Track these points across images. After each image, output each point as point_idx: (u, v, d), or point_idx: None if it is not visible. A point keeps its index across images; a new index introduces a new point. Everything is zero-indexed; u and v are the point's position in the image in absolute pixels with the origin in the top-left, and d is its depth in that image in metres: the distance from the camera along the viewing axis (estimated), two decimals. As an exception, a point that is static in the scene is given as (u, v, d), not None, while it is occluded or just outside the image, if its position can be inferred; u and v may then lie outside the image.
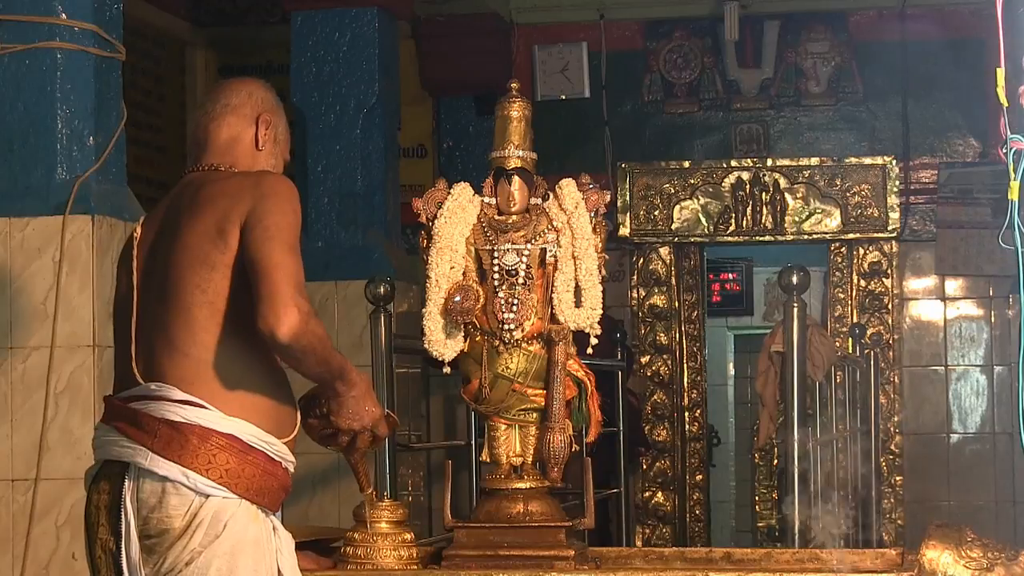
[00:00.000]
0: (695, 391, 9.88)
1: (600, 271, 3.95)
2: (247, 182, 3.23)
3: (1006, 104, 3.11)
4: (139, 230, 3.37)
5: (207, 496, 3.09)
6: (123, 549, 3.14)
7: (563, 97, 9.72)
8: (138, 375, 3.18)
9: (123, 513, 3.14)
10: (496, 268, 3.97)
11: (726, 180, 9.61)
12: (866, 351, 8.51)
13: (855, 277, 9.61)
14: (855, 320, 9.36)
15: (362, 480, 3.47)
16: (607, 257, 4.01)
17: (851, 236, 9.52)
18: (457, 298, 3.91)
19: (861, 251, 9.59)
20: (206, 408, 3.11)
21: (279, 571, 3.21)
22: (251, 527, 3.14)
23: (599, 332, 3.94)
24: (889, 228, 9.47)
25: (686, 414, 9.84)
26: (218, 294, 3.14)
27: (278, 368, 3.24)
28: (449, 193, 4.02)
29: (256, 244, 3.10)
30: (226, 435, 3.11)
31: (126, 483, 3.13)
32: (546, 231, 3.97)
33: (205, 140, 3.46)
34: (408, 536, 3.94)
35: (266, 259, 3.08)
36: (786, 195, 9.56)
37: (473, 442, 5.70)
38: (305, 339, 3.05)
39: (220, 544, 3.09)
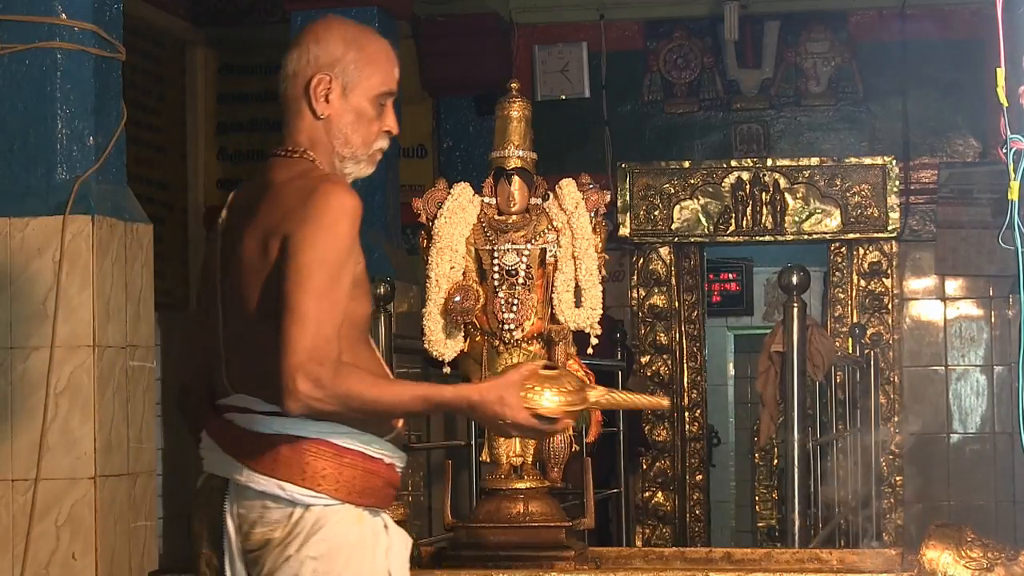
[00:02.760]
0: (695, 391, 9.88)
1: (600, 271, 3.95)
2: (297, 196, 2.95)
3: (1006, 104, 3.10)
4: (225, 213, 3.15)
5: (307, 505, 2.97)
6: (226, 566, 3.04)
7: (563, 97, 9.72)
8: (227, 383, 3.06)
9: (225, 530, 3.03)
10: (496, 268, 3.97)
11: (726, 180, 9.61)
12: (866, 351, 8.51)
13: (855, 277, 9.61)
14: (855, 320, 9.36)
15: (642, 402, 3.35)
16: (607, 257, 4.02)
17: (851, 236, 9.52)
18: (457, 298, 3.91)
19: (861, 251, 9.58)
20: (292, 416, 2.95)
21: (388, 571, 3.07)
22: (353, 529, 3.01)
23: (599, 332, 3.94)
24: (889, 228, 9.47)
25: (686, 414, 9.84)
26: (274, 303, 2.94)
27: (372, 359, 3.10)
28: (449, 193, 4.03)
29: (283, 284, 2.89)
30: (316, 440, 2.97)
31: (227, 499, 3.03)
32: (546, 231, 3.97)
33: (284, 113, 3.16)
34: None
35: (288, 308, 2.87)
36: (786, 195, 9.56)
37: (473, 442, 5.70)
38: (320, 406, 2.86)
39: (315, 546, 2.96)
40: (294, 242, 2.90)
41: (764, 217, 9.57)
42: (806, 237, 9.64)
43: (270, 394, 2.94)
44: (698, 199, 9.65)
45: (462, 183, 4.06)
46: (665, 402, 3.25)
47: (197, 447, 3.18)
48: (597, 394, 3.07)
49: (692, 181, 9.64)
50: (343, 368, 2.89)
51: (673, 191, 9.64)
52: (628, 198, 9.64)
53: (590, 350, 3.96)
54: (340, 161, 3.12)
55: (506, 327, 3.93)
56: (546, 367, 3.02)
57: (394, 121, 3.14)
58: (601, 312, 3.94)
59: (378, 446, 3.05)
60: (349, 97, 3.09)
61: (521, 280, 3.96)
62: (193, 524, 3.13)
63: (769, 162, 9.61)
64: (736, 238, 9.69)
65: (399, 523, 3.91)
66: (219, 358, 3.07)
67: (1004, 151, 3.13)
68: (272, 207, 2.99)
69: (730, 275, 12.38)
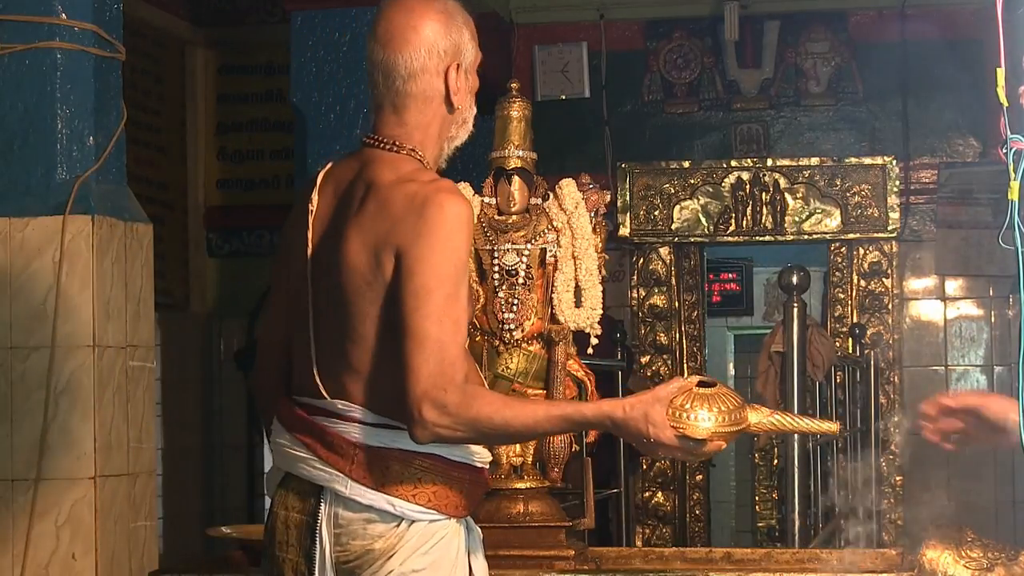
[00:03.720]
0: (695, 391, 9.86)
1: (600, 271, 3.95)
2: (409, 206, 2.85)
3: (1006, 104, 3.10)
4: (315, 198, 3.03)
5: (414, 520, 2.91)
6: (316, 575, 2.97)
7: (563, 97, 9.72)
8: (322, 388, 2.95)
9: (318, 539, 2.95)
10: (496, 268, 3.97)
11: (726, 180, 9.61)
12: (866, 351, 8.51)
13: (855, 277, 9.61)
14: (855, 320, 9.36)
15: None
16: (607, 257, 4.02)
17: (851, 236, 9.52)
18: (457, 298, 3.90)
19: (861, 251, 9.58)
20: (403, 430, 2.86)
21: (470, 570, 3.04)
22: (455, 542, 2.97)
23: (599, 332, 3.94)
24: (889, 228, 9.47)
25: (686, 414, 9.82)
26: (391, 317, 2.86)
27: (472, 369, 3.00)
28: (449, 193, 4.02)
29: (403, 304, 2.80)
30: (427, 455, 2.91)
31: (322, 508, 2.94)
32: (546, 231, 3.97)
33: (384, 104, 3.03)
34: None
35: (409, 333, 2.78)
36: (786, 195, 9.56)
37: (473, 442, 5.69)
38: (449, 434, 2.79)
39: (419, 560, 2.91)
40: (410, 259, 2.81)
41: (764, 217, 9.57)
42: (806, 237, 9.63)
43: (381, 406, 2.88)
44: (698, 199, 9.64)
45: (462, 183, 4.05)
46: (835, 427, 3.06)
47: (266, 432, 3.09)
48: (759, 416, 2.90)
49: (692, 181, 9.64)
50: (469, 390, 2.81)
51: (673, 191, 9.64)
52: (628, 198, 9.64)
53: (590, 350, 3.96)
54: (450, 142, 3.09)
55: (506, 327, 3.93)
56: (702, 383, 2.88)
57: (476, 81, 3.14)
58: (601, 312, 3.94)
59: (481, 455, 3.01)
60: (469, 77, 3.12)
61: (521, 280, 3.96)
62: (273, 524, 3.03)
63: (769, 162, 9.60)
64: (736, 238, 9.69)
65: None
66: (307, 356, 2.98)
67: (1004, 151, 3.13)
68: (381, 213, 2.88)
69: (730, 275, 12.38)
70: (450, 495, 2.93)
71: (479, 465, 3.01)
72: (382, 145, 3.00)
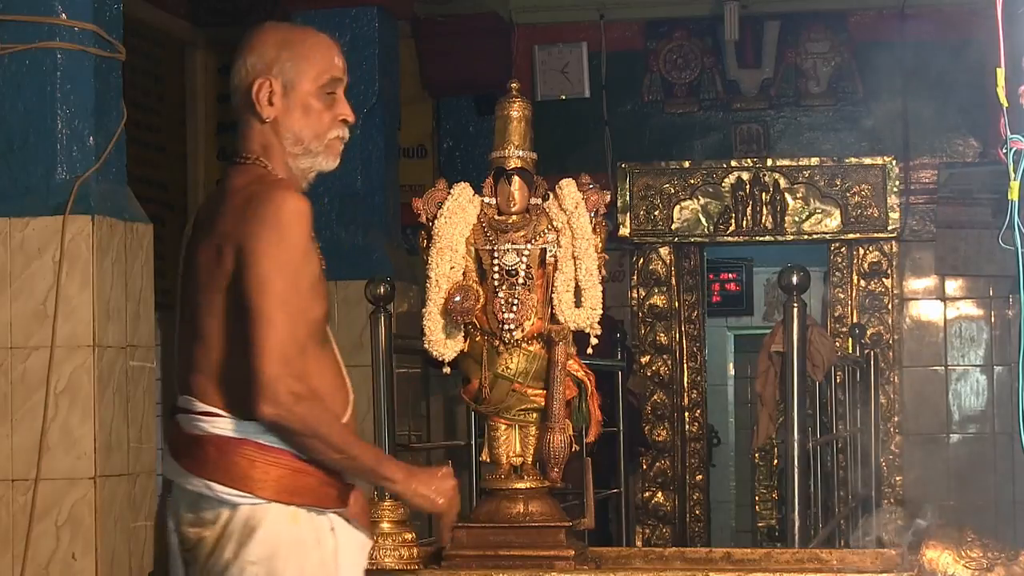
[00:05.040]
0: (695, 391, 9.88)
1: (600, 271, 3.95)
2: (249, 204, 3.00)
3: (1006, 104, 3.10)
4: (189, 225, 3.22)
5: (235, 505, 3.00)
6: (170, 563, 3.11)
7: (563, 97, 9.72)
8: (178, 386, 3.12)
9: (168, 529, 3.10)
10: (496, 268, 3.97)
11: (726, 180, 9.61)
12: (866, 351, 8.51)
13: (855, 277, 9.61)
14: (855, 320, 9.36)
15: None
16: (607, 257, 4.01)
17: (851, 236, 9.52)
18: (457, 298, 3.91)
19: (861, 251, 9.59)
20: (220, 416, 3.01)
21: (337, 573, 3.07)
22: (287, 529, 3.02)
23: (599, 332, 3.94)
24: (889, 228, 9.48)
25: (686, 414, 9.84)
26: (227, 314, 3.01)
27: (332, 358, 3.12)
28: (449, 193, 4.02)
29: (247, 294, 2.95)
30: (241, 440, 3.01)
31: (168, 499, 3.10)
32: (546, 231, 3.97)
33: (238, 123, 3.23)
34: (408, 536, 3.94)
35: (255, 317, 2.93)
36: (786, 195, 9.56)
37: (473, 442, 5.70)
38: (290, 421, 2.93)
39: (252, 550, 2.99)
40: (249, 251, 2.95)
41: (764, 217, 9.57)
42: (806, 237, 9.64)
43: (207, 396, 3.01)
44: (698, 199, 9.65)
45: (462, 183, 4.05)
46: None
47: None
48: None
49: (692, 181, 9.64)
50: (318, 395, 2.96)
51: (673, 191, 9.64)
52: (628, 198, 9.64)
53: (590, 350, 3.96)
54: (294, 160, 3.15)
55: (506, 327, 3.93)
56: None
57: (347, 109, 3.16)
58: (601, 312, 3.93)
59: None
60: (291, 95, 3.13)
61: (521, 280, 3.96)
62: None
63: (769, 162, 9.61)
64: (736, 238, 9.69)
65: (399, 523, 3.93)
66: (179, 359, 3.14)
67: (1004, 151, 3.13)
68: (225, 214, 3.04)
69: (730, 275, 12.39)
70: (267, 480, 3.00)
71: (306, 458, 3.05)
72: (235, 158, 3.19)
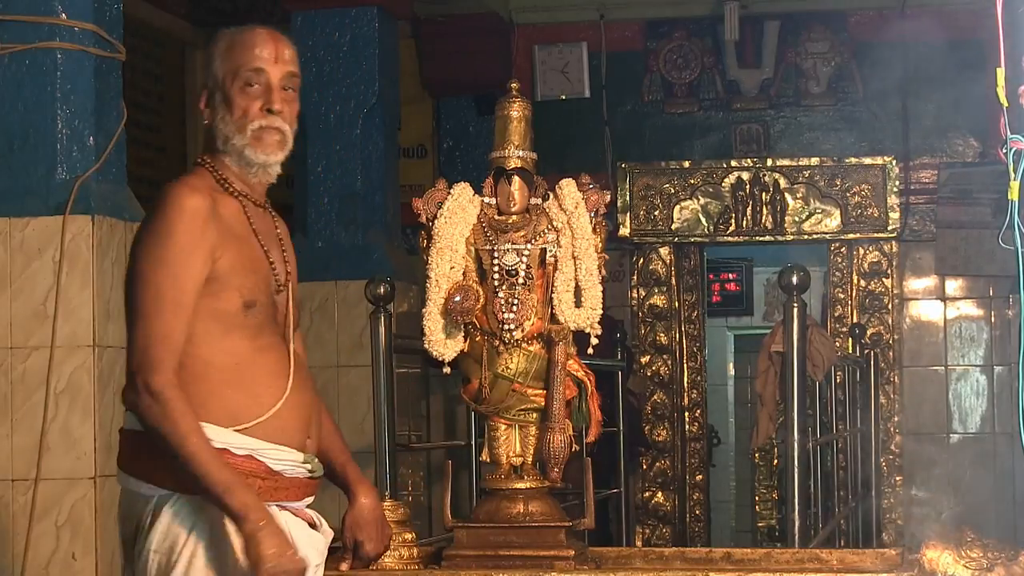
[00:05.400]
0: (695, 391, 9.88)
1: (600, 271, 3.95)
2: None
3: (1006, 104, 3.10)
4: None
5: (149, 498, 3.06)
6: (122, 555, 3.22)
7: (563, 97, 9.73)
8: None
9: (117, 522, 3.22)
10: (496, 268, 3.96)
11: (726, 180, 9.62)
12: (866, 351, 8.51)
13: (855, 277, 9.61)
14: (855, 320, 9.36)
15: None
16: (607, 257, 4.01)
17: (851, 236, 9.52)
18: (457, 298, 3.90)
19: (861, 251, 9.59)
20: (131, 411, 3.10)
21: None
22: (191, 520, 3.03)
23: (599, 332, 3.94)
24: (889, 228, 9.48)
25: (686, 414, 9.84)
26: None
27: (235, 359, 3.09)
28: (449, 193, 4.02)
29: (126, 288, 3.07)
30: (143, 432, 3.05)
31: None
32: (546, 231, 3.96)
33: None
34: (408, 536, 3.94)
35: (128, 311, 3.05)
36: (786, 195, 9.56)
37: (473, 442, 5.69)
38: (140, 412, 3.00)
39: (155, 540, 3.03)
40: (133, 249, 3.07)
41: (764, 217, 9.57)
42: (806, 237, 9.64)
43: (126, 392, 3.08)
44: (698, 199, 9.65)
45: (462, 183, 4.05)
46: None
47: None
48: None
49: (692, 181, 9.64)
50: (180, 393, 2.97)
51: (673, 191, 9.64)
52: (628, 198, 9.64)
53: (590, 350, 3.95)
54: (230, 159, 3.21)
55: (506, 327, 3.93)
56: None
57: (270, 96, 3.20)
58: (601, 312, 3.93)
59: (227, 438, 3.06)
60: (216, 97, 3.21)
61: (521, 280, 3.95)
62: None
63: (769, 162, 9.61)
64: (736, 238, 9.69)
65: (397, 523, 3.92)
66: None
67: (1004, 151, 3.13)
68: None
69: (730, 275, 12.40)
70: (172, 471, 3.00)
71: (219, 446, 3.03)
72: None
